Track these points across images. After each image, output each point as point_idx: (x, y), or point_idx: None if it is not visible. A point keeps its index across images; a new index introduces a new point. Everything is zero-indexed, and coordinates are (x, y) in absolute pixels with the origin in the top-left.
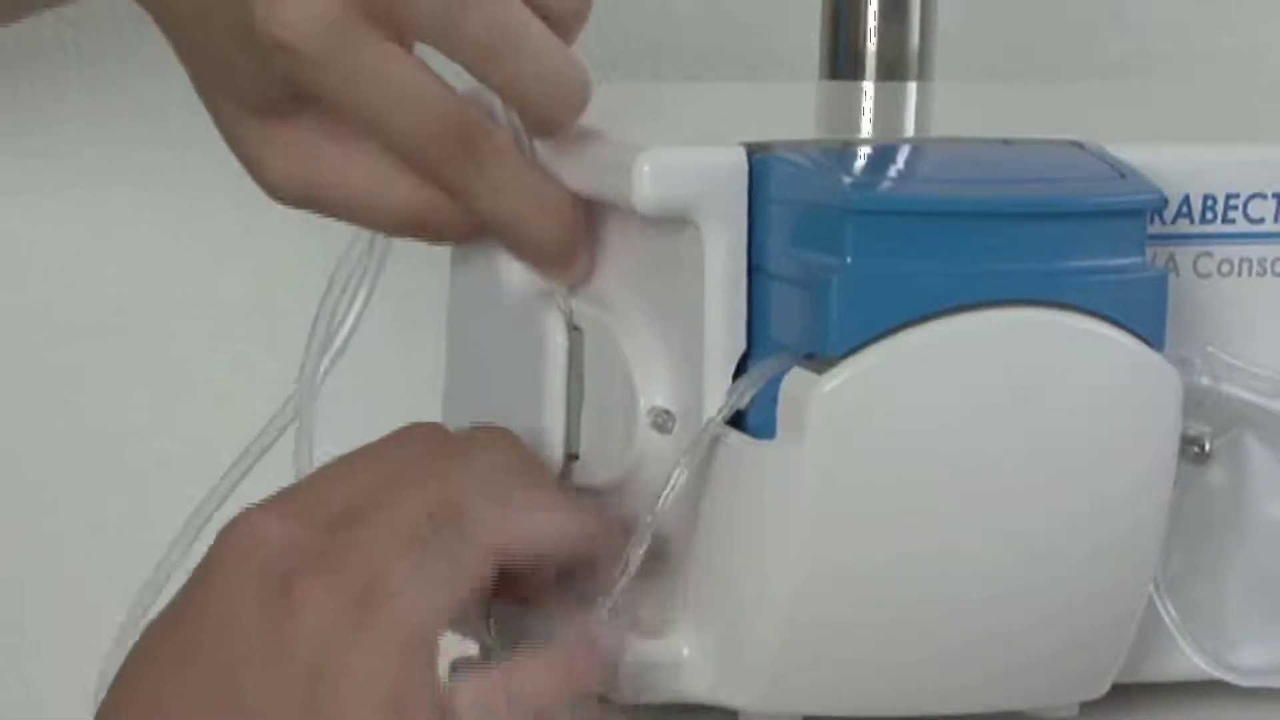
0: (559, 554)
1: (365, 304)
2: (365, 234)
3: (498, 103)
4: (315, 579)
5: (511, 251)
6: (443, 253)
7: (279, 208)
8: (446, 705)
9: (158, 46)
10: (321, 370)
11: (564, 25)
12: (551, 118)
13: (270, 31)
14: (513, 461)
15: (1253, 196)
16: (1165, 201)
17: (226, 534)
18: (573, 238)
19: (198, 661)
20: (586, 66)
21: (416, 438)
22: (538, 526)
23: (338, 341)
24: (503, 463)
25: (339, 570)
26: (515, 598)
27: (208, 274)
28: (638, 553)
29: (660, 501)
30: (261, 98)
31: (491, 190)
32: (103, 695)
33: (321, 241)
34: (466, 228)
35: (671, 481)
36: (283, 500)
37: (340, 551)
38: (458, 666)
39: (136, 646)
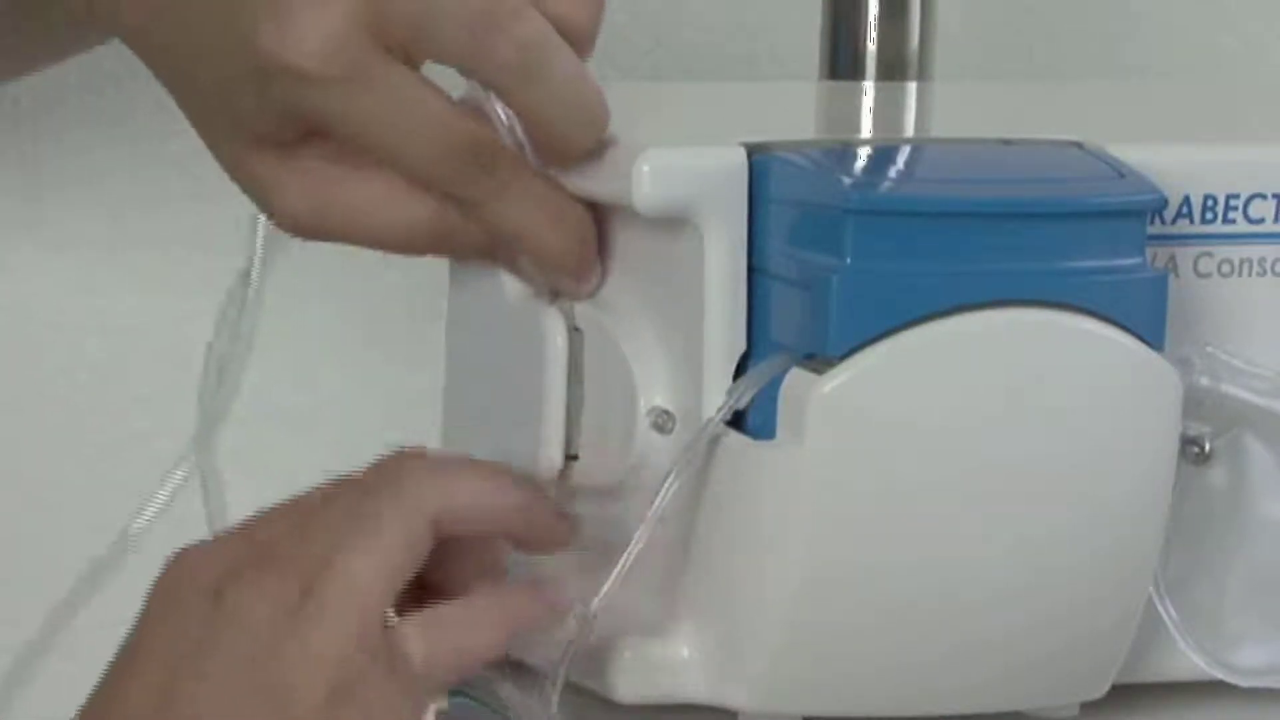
0: (498, 525)
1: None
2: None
3: (497, 107)
4: (247, 577)
5: (525, 265)
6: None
7: None
8: (400, 655)
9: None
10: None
11: (579, 42)
12: (572, 142)
13: (279, 55)
14: (424, 452)
15: (1253, 197)
16: (1165, 201)
17: (168, 564)
18: (587, 249)
19: (150, 684)
20: (602, 91)
21: (354, 474)
22: (479, 494)
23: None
24: (414, 454)
25: (272, 567)
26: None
27: (209, 274)
28: (634, 550)
29: (658, 500)
30: (266, 129)
31: (505, 205)
32: None
33: (321, 247)
34: (482, 243)
35: (670, 481)
36: (222, 533)
37: (269, 552)
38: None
39: (97, 688)
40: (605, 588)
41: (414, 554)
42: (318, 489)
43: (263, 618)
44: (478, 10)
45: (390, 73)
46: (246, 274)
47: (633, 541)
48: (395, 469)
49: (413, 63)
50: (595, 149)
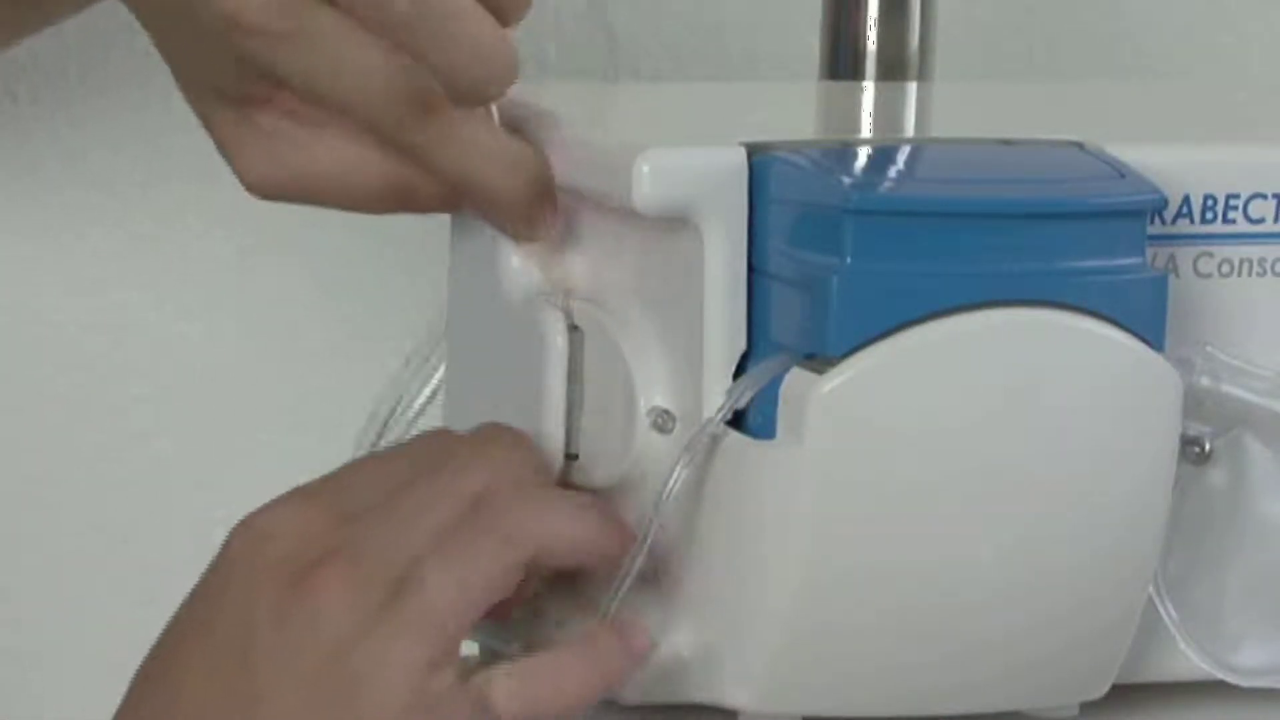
0: (593, 557)
1: (428, 401)
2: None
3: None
4: (331, 569)
5: (480, 211)
6: (442, 255)
7: (279, 212)
8: (483, 701)
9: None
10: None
11: (503, 11)
12: (473, 94)
13: (219, 7)
14: (527, 459)
15: (1253, 196)
16: (1165, 201)
17: (239, 529)
18: (539, 191)
19: (213, 657)
20: (515, 46)
21: (428, 440)
22: (577, 528)
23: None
24: (519, 459)
25: (357, 562)
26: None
27: (208, 275)
28: (639, 554)
29: (659, 501)
30: (230, 84)
31: (450, 151)
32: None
33: (318, 245)
34: (443, 197)
35: (671, 481)
36: (296, 495)
37: (357, 544)
38: (485, 663)
39: (155, 646)
40: (617, 591)
41: (502, 589)
42: (411, 458)
43: (342, 616)
44: None
45: (327, 22)
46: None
47: (637, 543)
48: (500, 493)
49: (350, 13)
50: (595, 149)
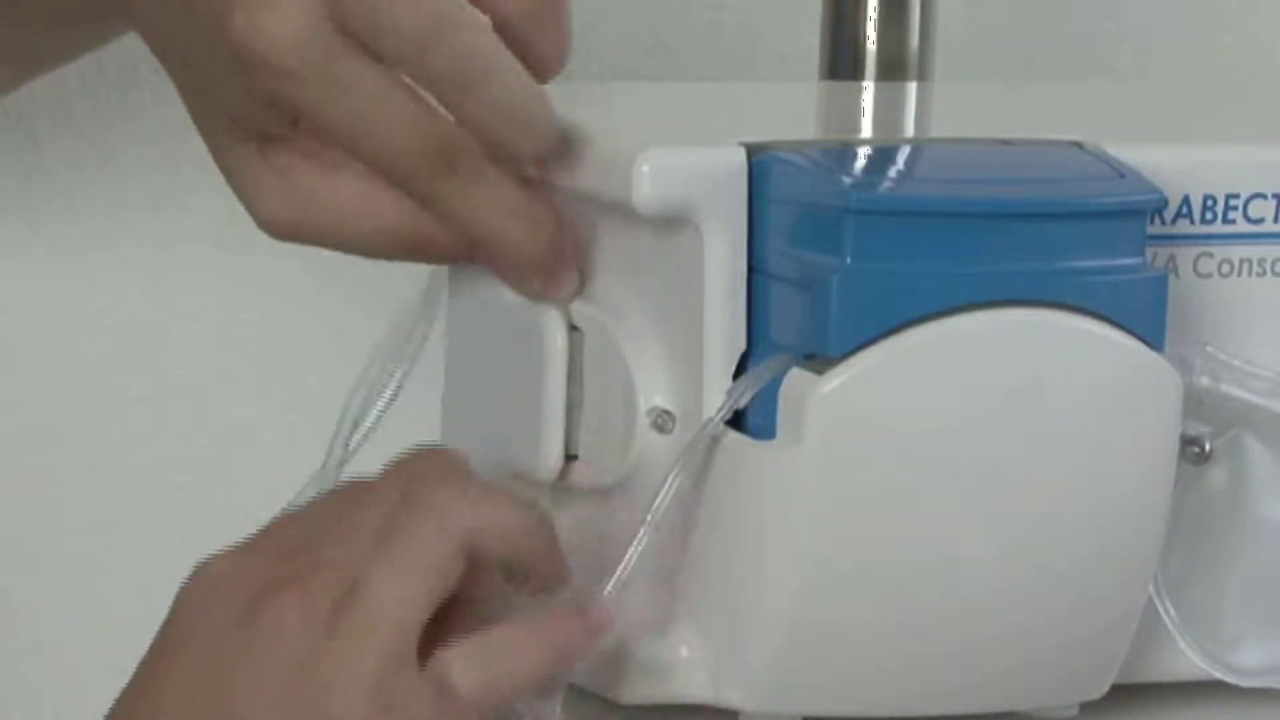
0: (526, 548)
1: (398, 389)
2: (406, 320)
3: None
4: (283, 592)
5: (497, 268)
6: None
7: None
8: (443, 685)
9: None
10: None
11: (540, 66)
12: (510, 149)
13: (248, 46)
14: (444, 456)
15: (1253, 196)
16: (1165, 202)
17: (187, 583)
18: (558, 251)
19: (182, 694)
20: (553, 107)
21: (350, 481)
22: (503, 513)
23: (367, 421)
24: (437, 458)
25: (304, 585)
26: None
27: (208, 275)
28: (636, 551)
29: (658, 500)
30: (247, 120)
31: (471, 204)
32: None
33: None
34: (458, 248)
35: (669, 481)
36: (238, 546)
37: (302, 570)
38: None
39: (116, 703)
40: (608, 588)
41: (447, 577)
42: (340, 493)
43: (296, 635)
44: (426, 17)
45: (356, 67)
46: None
47: (634, 542)
48: (424, 483)
49: (383, 60)
50: (595, 149)
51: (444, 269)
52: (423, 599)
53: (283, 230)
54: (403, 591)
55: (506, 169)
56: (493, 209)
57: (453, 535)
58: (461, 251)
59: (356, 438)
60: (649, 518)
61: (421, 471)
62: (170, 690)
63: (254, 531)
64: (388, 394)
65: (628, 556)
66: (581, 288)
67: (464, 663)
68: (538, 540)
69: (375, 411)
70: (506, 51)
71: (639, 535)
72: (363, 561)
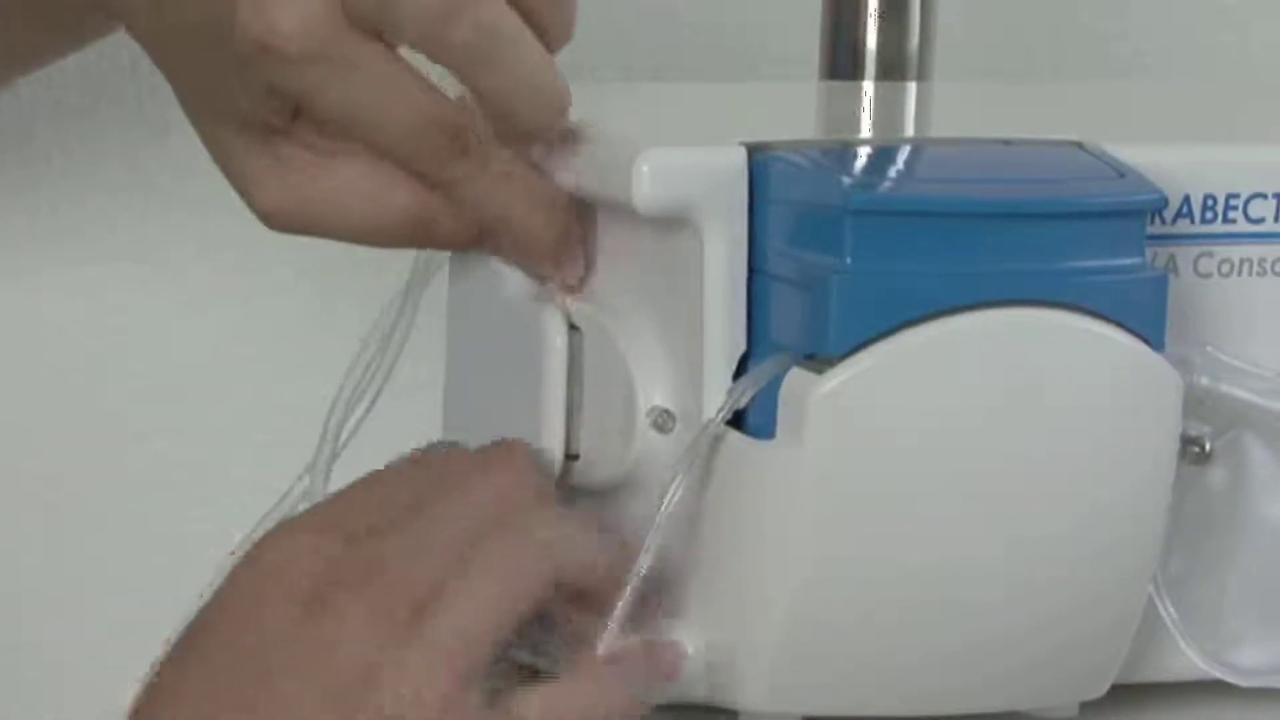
0: (602, 575)
1: (383, 384)
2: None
3: None
4: (351, 592)
5: (506, 251)
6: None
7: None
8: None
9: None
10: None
11: (549, 37)
12: (528, 127)
13: (255, 34)
14: (532, 477)
15: (1253, 196)
16: (1165, 201)
17: (246, 562)
18: (566, 233)
19: (227, 676)
20: (566, 81)
21: (432, 457)
22: (590, 544)
23: (358, 413)
24: (525, 478)
25: (376, 583)
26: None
27: (208, 276)
28: (646, 558)
29: (664, 505)
30: (249, 111)
31: (482, 188)
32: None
33: (317, 246)
34: (464, 234)
35: (674, 485)
36: (312, 515)
37: (375, 565)
38: (513, 682)
39: (162, 662)
40: (624, 596)
41: (530, 602)
42: (421, 480)
43: (364, 638)
44: None
45: (366, 52)
46: (400, 300)
47: (643, 549)
48: (517, 504)
49: (391, 45)
50: (595, 149)
51: (424, 264)
52: (503, 621)
53: (282, 221)
54: (484, 613)
55: (515, 153)
56: (505, 192)
57: (543, 564)
58: (464, 238)
59: (345, 435)
60: (656, 522)
61: (514, 489)
62: (210, 675)
63: (325, 500)
64: (373, 390)
65: (638, 565)
66: (583, 285)
67: (539, 706)
68: (618, 573)
69: (362, 407)
70: (522, 23)
71: (648, 541)
72: (444, 574)
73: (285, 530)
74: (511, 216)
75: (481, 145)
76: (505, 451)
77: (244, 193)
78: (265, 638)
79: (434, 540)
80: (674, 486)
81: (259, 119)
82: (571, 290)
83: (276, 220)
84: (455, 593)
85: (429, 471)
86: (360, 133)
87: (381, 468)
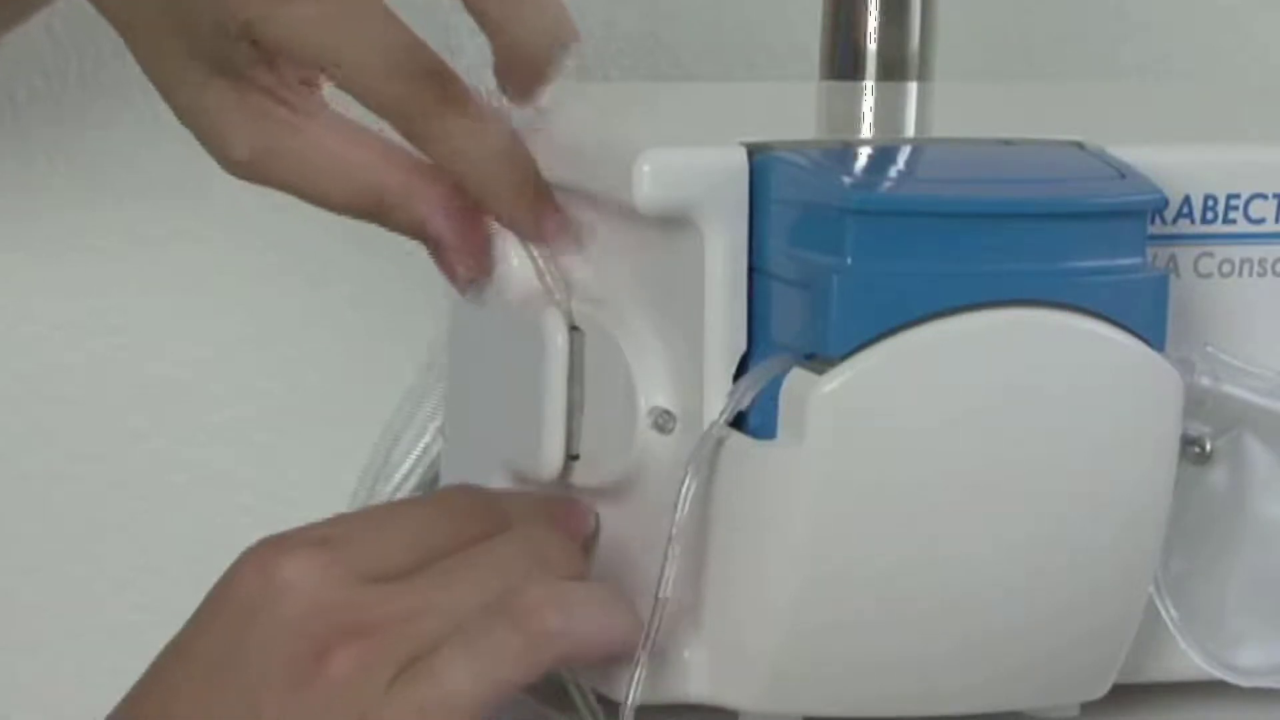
0: (611, 656)
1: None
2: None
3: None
4: (351, 645)
5: (488, 207)
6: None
7: (274, 212)
8: None
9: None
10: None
11: None
12: (539, 63)
13: None
14: (560, 545)
15: (1253, 197)
16: (1166, 202)
17: (254, 566)
18: (543, 190)
19: (215, 696)
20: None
21: (459, 500)
22: (604, 631)
23: (395, 477)
24: (552, 545)
25: (376, 638)
26: None
27: (207, 276)
28: (667, 577)
29: (678, 513)
30: (220, 55)
31: (458, 137)
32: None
33: (318, 247)
34: (414, 223)
35: (684, 491)
36: (318, 541)
37: (378, 617)
38: None
39: (152, 667)
40: (651, 618)
41: (524, 678)
42: (431, 514)
43: (358, 692)
44: None
45: None
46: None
47: (666, 561)
48: (530, 576)
49: None
50: (595, 149)
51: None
52: (491, 703)
53: (248, 171)
54: (476, 691)
55: (492, 109)
56: (478, 142)
57: (542, 653)
58: (416, 226)
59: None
60: (672, 532)
61: (531, 560)
62: (205, 687)
63: (331, 523)
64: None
65: (664, 578)
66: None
67: None
68: (623, 645)
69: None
70: None
71: (666, 552)
72: (442, 638)
73: (297, 549)
74: (486, 167)
75: (457, 92)
76: (530, 511)
77: (211, 140)
78: (258, 672)
79: (439, 602)
80: (685, 491)
81: (232, 65)
82: (546, 241)
83: (245, 170)
84: (449, 660)
85: (449, 519)
86: (341, 75)
87: (402, 500)
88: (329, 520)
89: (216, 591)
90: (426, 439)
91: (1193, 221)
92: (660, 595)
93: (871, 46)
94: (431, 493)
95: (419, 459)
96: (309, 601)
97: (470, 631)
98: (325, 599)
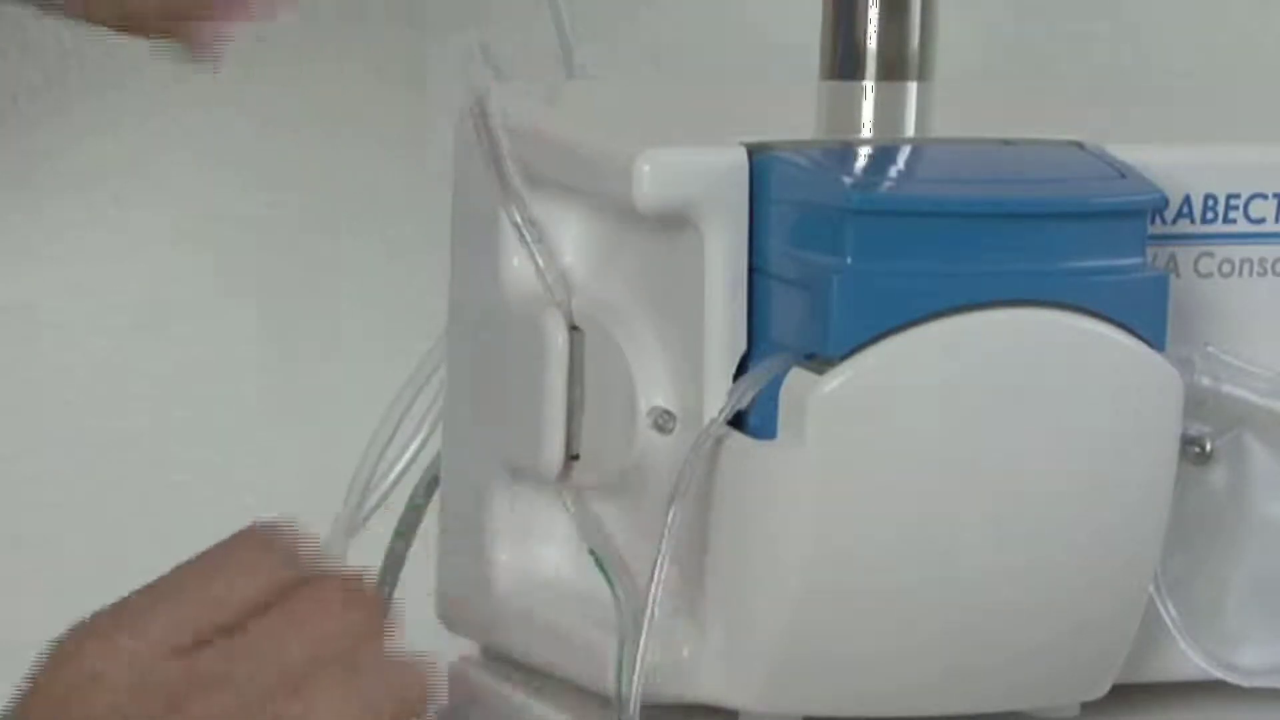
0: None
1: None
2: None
3: (493, 103)
4: (176, 712)
5: None
6: (442, 253)
7: (275, 211)
8: None
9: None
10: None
11: None
12: None
13: None
14: (353, 623)
15: (1253, 196)
16: (1166, 201)
17: (61, 656)
18: None
19: None
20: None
21: (276, 544)
22: (427, 698)
23: (391, 476)
24: (345, 625)
25: (202, 703)
26: None
27: (207, 276)
28: (661, 573)
29: (671, 513)
30: None
31: None
32: None
33: (318, 245)
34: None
35: (681, 489)
36: (135, 615)
37: (201, 683)
38: None
39: None
40: (648, 611)
41: None
42: (252, 556)
43: None
44: None
45: None
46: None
47: (657, 560)
48: (308, 678)
49: None
50: (595, 149)
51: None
52: None
53: None
54: None
55: None
56: None
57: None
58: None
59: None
60: (665, 531)
61: (320, 647)
62: None
63: (126, 600)
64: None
65: (656, 577)
66: (581, 284)
67: None
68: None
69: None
70: None
71: (660, 550)
72: (275, 701)
73: (103, 634)
74: None
75: None
76: (325, 591)
77: None
78: None
79: (267, 665)
80: (682, 489)
81: None
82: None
83: None
84: None
85: (268, 569)
86: None
87: (212, 548)
88: (135, 593)
89: (31, 686)
90: (421, 437)
91: (1193, 221)
92: (654, 594)
93: (871, 46)
94: (228, 544)
95: (412, 459)
96: (115, 684)
97: (304, 697)
98: (130, 676)
